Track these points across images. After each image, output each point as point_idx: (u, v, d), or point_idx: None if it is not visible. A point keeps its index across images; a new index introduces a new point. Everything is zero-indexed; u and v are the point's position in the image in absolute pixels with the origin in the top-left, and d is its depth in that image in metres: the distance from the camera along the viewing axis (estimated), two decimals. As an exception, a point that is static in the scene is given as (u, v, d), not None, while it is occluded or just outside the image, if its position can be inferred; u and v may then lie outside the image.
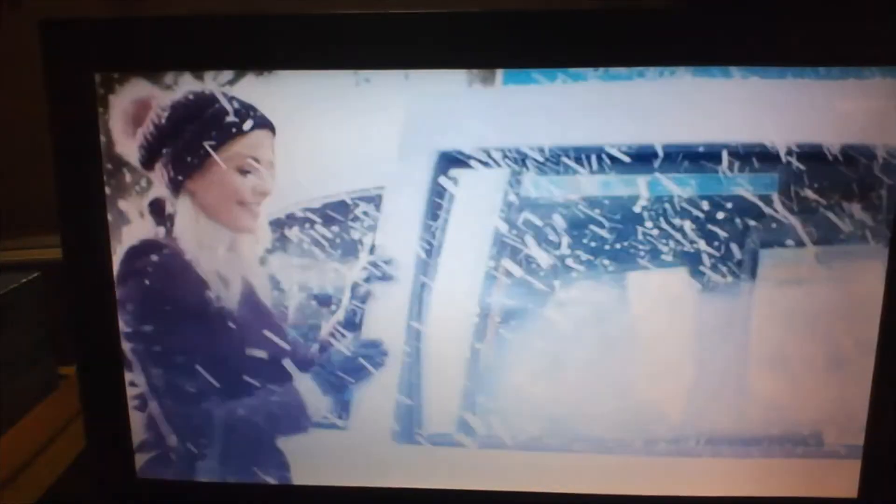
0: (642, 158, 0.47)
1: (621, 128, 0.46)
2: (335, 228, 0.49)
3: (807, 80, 0.45)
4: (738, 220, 0.47)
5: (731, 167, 0.46)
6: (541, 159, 0.47)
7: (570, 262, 0.48)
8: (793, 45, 0.45)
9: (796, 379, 0.49)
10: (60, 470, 0.61)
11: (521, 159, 0.47)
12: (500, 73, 0.46)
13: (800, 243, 0.47)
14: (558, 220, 0.48)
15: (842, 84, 0.45)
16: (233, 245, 0.49)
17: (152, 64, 0.47)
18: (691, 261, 0.48)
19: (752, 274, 0.48)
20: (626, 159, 0.47)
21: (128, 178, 0.49)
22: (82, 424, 0.53)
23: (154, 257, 0.50)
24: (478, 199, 0.48)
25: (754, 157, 0.46)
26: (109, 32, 0.47)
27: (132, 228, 0.49)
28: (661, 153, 0.47)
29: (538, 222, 0.48)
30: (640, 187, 0.47)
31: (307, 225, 0.49)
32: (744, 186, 0.47)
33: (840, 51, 0.45)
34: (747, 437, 0.50)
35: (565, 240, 0.48)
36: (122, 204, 0.49)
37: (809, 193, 0.47)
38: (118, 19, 0.48)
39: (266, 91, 0.47)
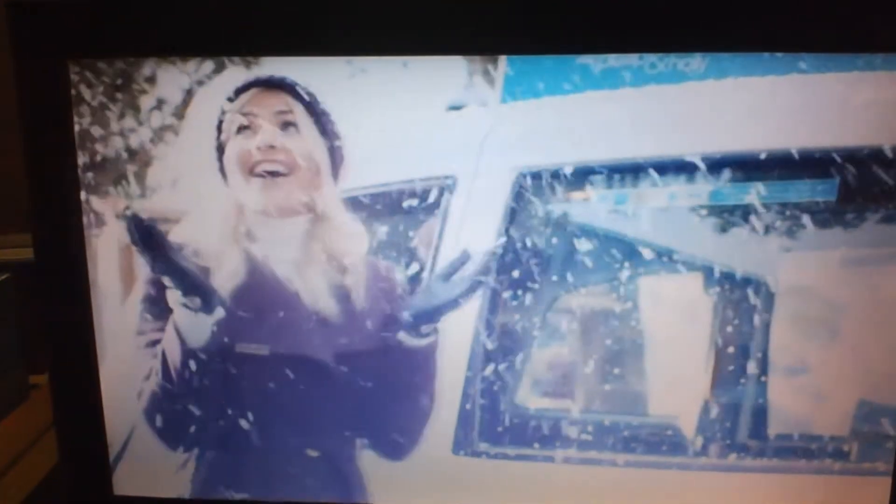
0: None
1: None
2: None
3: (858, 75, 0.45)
4: (776, 225, 0.47)
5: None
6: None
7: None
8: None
9: (821, 391, 0.49)
10: (31, 486, 0.61)
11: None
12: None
13: (826, 248, 0.47)
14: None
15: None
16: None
17: (131, 50, 0.46)
18: (713, 267, 0.48)
19: (777, 280, 0.47)
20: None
21: (107, 174, 0.48)
22: (55, 437, 0.52)
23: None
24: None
25: (813, 162, 0.46)
26: (84, 16, 0.46)
27: (108, 228, 0.49)
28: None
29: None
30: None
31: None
32: (801, 193, 0.46)
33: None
34: (771, 452, 0.50)
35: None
36: (97, 203, 0.49)
37: (862, 199, 0.46)
38: (94, 1, 0.47)
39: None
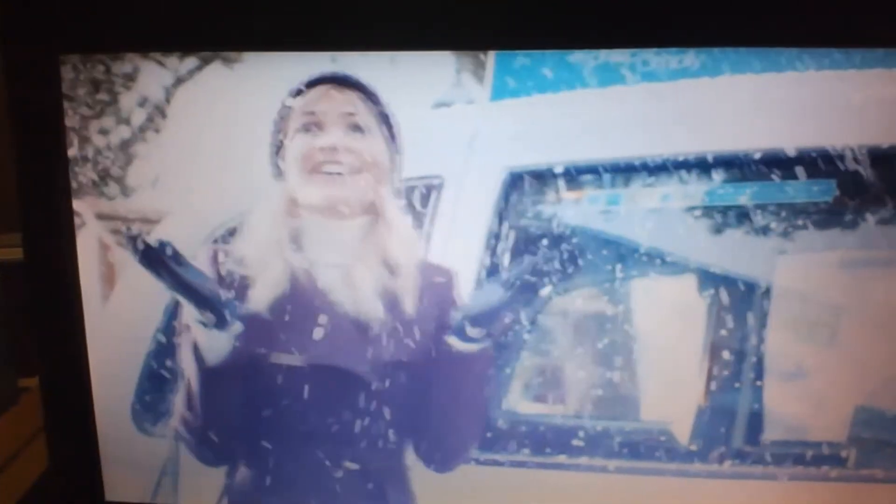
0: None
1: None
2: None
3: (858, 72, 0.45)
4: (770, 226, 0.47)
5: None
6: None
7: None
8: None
9: (818, 395, 0.48)
10: (21, 491, 0.61)
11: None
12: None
13: (823, 250, 0.47)
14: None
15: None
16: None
17: (125, 45, 0.47)
18: (707, 269, 0.48)
19: (772, 283, 0.47)
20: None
21: (93, 172, 0.48)
22: (45, 442, 0.52)
23: None
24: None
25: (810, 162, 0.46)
26: (77, 8, 0.46)
27: (101, 229, 0.49)
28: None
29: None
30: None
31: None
32: (799, 193, 0.46)
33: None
34: (767, 458, 0.49)
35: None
36: (90, 203, 0.49)
37: (861, 199, 0.46)
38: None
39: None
